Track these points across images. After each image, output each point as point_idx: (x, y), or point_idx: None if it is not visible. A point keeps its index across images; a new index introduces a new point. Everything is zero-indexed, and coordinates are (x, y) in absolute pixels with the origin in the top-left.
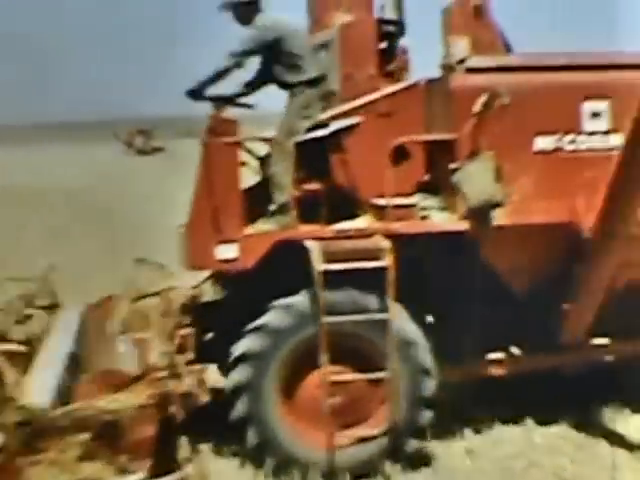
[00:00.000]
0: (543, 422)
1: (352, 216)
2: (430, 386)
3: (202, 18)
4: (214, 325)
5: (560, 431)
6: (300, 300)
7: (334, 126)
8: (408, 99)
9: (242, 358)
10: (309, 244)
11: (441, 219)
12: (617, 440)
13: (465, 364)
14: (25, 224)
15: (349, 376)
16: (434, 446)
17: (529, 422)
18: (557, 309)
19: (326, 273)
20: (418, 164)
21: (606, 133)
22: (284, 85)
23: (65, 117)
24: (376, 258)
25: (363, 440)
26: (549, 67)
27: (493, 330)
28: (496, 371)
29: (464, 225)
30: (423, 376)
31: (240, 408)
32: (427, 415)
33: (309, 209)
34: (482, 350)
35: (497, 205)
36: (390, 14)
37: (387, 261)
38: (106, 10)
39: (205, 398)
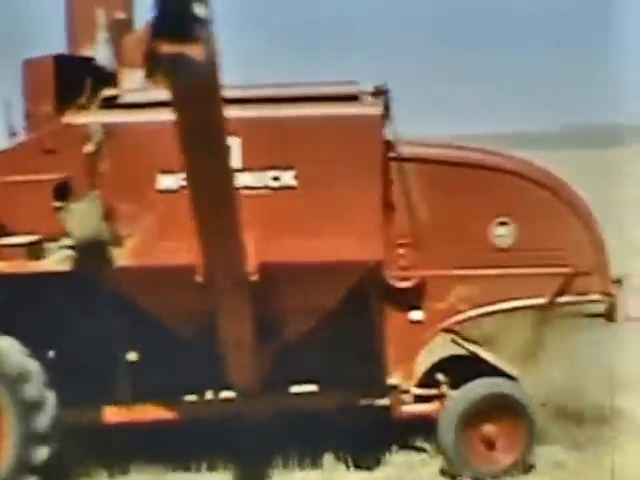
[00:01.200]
0: None
1: None
2: (43, 420)
3: None
4: None
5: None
6: None
7: None
8: (70, 136)
9: None
10: None
11: (56, 259)
12: None
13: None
14: None
15: None
16: None
17: None
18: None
19: None
20: None
21: (236, 171)
22: None
23: None
24: None
25: None
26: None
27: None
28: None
29: (53, 266)
30: (34, 410)
31: None
32: (42, 451)
33: None
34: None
35: (104, 243)
36: (99, 52)
37: None
38: None
39: None
